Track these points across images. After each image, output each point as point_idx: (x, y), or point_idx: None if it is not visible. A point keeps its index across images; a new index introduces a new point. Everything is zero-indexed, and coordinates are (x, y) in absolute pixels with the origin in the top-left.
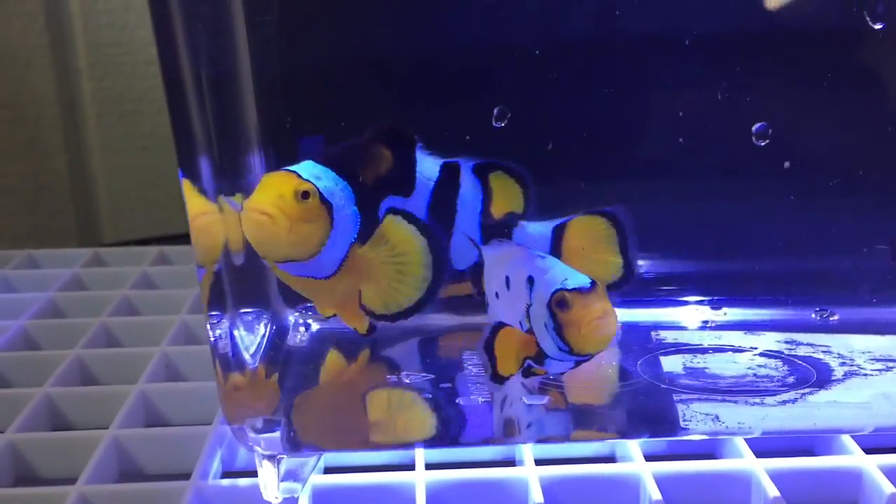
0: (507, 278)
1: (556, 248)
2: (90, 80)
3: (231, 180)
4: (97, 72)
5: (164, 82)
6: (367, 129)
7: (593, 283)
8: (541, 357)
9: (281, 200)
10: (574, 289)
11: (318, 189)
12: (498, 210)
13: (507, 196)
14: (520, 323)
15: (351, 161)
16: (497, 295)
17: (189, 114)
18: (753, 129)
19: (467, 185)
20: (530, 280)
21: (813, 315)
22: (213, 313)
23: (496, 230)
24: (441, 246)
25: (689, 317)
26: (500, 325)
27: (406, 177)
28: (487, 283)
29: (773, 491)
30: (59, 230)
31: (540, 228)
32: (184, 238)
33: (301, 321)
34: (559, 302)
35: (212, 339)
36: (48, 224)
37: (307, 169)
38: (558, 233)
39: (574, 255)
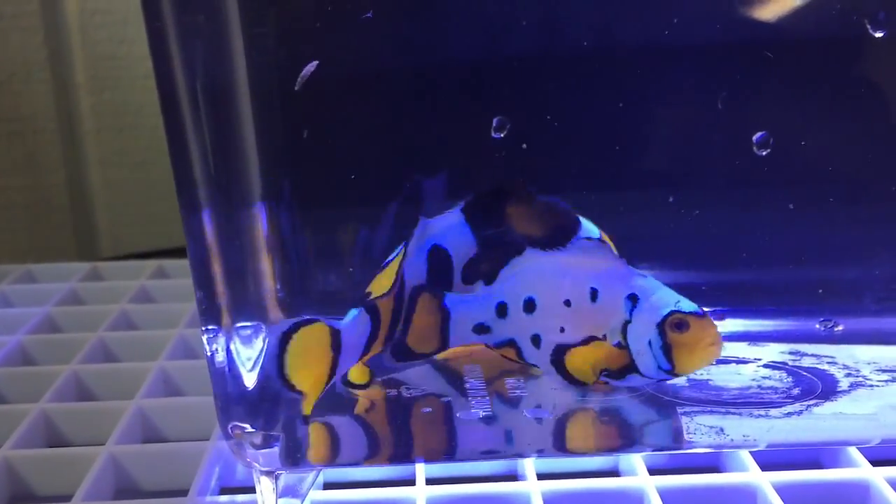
0: (595, 290)
1: None
2: (89, 94)
3: (228, 196)
4: (96, 86)
5: (159, 97)
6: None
7: (702, 309)
8: (623, 373)
9: None
10: (690, 312)
11: None
12: None
13: None
14: (603, 336)
15: None
16: (569, 303)
17: (185, 128)
18: (754, 138)
19: None
20: (632, 297)
21: (817, 325)
22: (210, 327)
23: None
24: None
25: None
26: (591, 339)
27: None
28: (545, 289)
29: None
30: (57, 245)
31: None
32: (182, 252)
33: None
34: (677, 323)
35: (208, 353)
36: (47, 239)
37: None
38: None
39: None
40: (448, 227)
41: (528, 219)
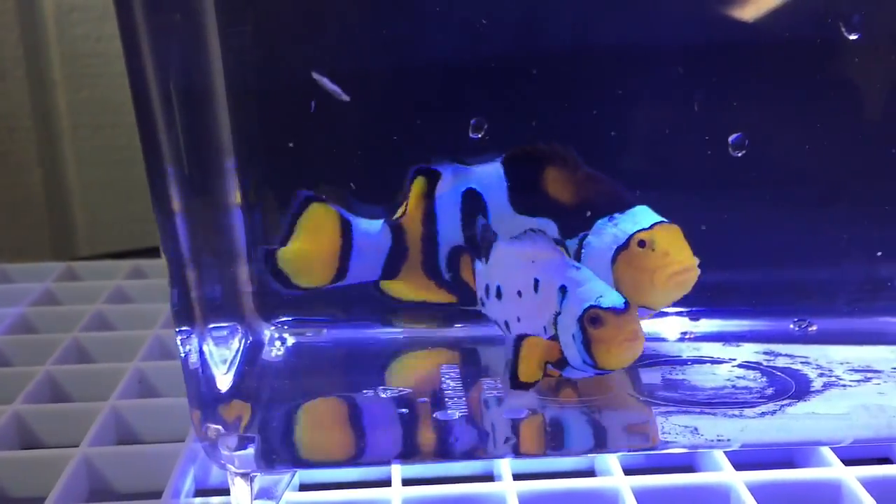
0: (537, 281)
1: None
2: (66, 91)
3: (202, 195)
4: (73, 83)
5: (132, 95)
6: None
7: (627, 303)
8: (562, 364)
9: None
10: (608, 308)
11: None
12: None
13: None
14: (544, 328)
15: None
16: (520, 294)
17: (158, 127)
18: (730, 139)
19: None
20: (562, 289)
21: (791, 325)
22: (183, 328)
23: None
24: None
25: (668, 328)
26: (523, 337)
27: None
28: (506, 279)
29: None
30: (34, 244)
31: None
32: (160, 251)
33: (276, 335)
34: (592, 318)
35: (182, 354)
36: (23, 238)
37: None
38: None
39: None
40: (486, 174)
41: (564, 186)
